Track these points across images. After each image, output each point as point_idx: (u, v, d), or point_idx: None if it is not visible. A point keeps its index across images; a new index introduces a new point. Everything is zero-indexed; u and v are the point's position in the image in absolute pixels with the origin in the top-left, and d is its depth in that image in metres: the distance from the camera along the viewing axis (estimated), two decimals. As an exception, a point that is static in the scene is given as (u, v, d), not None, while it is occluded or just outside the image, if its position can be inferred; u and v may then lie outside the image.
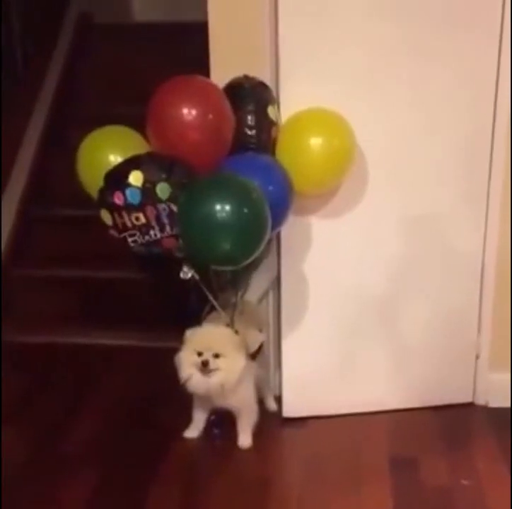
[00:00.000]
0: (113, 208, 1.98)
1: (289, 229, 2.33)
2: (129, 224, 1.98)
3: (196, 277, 2.11)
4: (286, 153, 2.18)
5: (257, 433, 2.39)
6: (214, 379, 2.17)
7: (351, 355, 2.49)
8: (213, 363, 2.15)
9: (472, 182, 2.39)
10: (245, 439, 2.34)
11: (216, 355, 2.16)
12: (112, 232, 2.03)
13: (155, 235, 1.99)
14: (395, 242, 2.41)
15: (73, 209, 3.28)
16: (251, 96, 2.15)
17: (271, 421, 2.48)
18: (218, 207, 1.89)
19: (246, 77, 2.17)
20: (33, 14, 3.49)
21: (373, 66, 2.26)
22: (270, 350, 2.58)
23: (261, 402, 2.45)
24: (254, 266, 2.28)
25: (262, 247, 2.00)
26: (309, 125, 2.20)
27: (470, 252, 2.44)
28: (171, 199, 1.96)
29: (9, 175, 3.24)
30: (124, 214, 1.97)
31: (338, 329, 2.46)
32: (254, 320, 2.40)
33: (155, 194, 1.95)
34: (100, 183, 2.01)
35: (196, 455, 2.35)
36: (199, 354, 2.17)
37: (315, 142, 2.15)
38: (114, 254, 3.04)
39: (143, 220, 1.96)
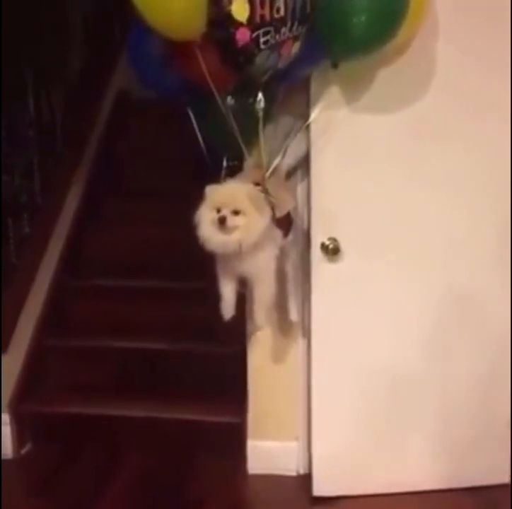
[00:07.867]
0: None
1: (321, 304, 2.36)
2: (268, 17, 1.86)
3: (261, 113, 2.03)
4: None
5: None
6: (232, 237, 2.03)
7: (383, 434, 2.46)
8: (231, 220, 2.01)
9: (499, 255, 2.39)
10: (259, 319, 2.25)
11: (236, 213, 2.03)
12: (243, 32, 1.86)
13: (284, 33, 1.89)
14: (426, 319, 2.41)
15: (109, 280, 3.36)
16: None
17: (300, 500, 2.46)
18: None
19: None
20: (74, 93, 3.65)
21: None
22: (299, 424, 2.57)
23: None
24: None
25: (394, 36, 1.98)
26: None
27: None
28: None
29: (46, 247, 3.33)
30: (267, 3, 1.85)
31: (370, 408, 2.44)
32: (285, 185, 2.30)
33: None
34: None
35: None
36: (218, 211, 2.04)
37: None
38: (149, 325, 3.14)
39: (282, 12, 1.87)
